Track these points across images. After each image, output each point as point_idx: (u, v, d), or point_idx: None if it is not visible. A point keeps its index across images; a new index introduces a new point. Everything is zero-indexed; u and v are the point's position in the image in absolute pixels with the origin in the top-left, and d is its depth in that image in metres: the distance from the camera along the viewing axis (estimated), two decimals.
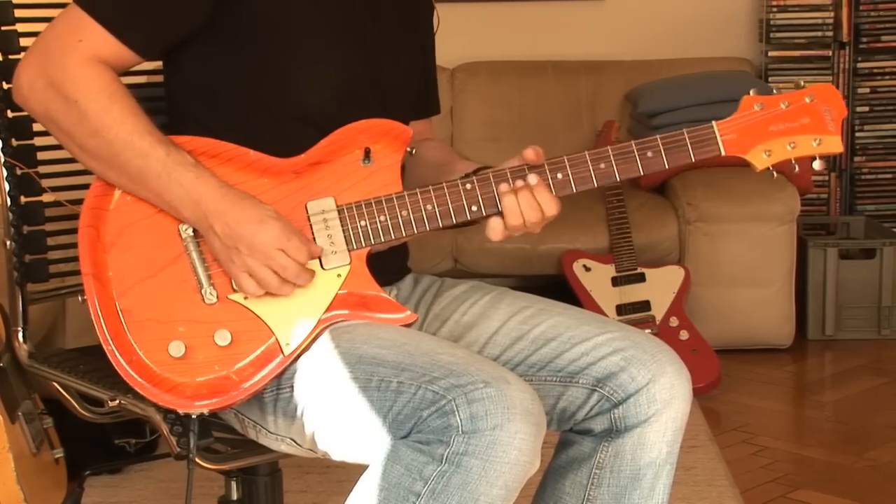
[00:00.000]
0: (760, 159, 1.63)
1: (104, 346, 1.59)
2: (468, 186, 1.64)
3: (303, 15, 1.68)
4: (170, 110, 1.78)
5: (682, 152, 1.62)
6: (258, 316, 1.60)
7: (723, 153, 1.62)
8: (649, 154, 1.62)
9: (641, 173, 1.63)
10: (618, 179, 1.63)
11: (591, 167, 1.63)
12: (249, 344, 1.59)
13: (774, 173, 1.65)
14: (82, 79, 1.59)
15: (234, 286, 1.60)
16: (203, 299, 1.60)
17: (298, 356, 1.61)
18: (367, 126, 1.66)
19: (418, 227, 1.63)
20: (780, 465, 3.07)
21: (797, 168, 1.64)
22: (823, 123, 1.62)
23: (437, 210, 1.63)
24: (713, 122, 1.62)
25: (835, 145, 1.62)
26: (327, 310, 1.62)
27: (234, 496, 1.87)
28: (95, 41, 1.60)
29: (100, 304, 1.60)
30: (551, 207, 1.63)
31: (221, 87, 1.69)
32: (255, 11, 1.66)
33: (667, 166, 1.62)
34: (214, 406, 1.59)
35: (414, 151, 1.72)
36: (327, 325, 1.62)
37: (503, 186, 1.63)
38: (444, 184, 1.64)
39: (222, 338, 1.59)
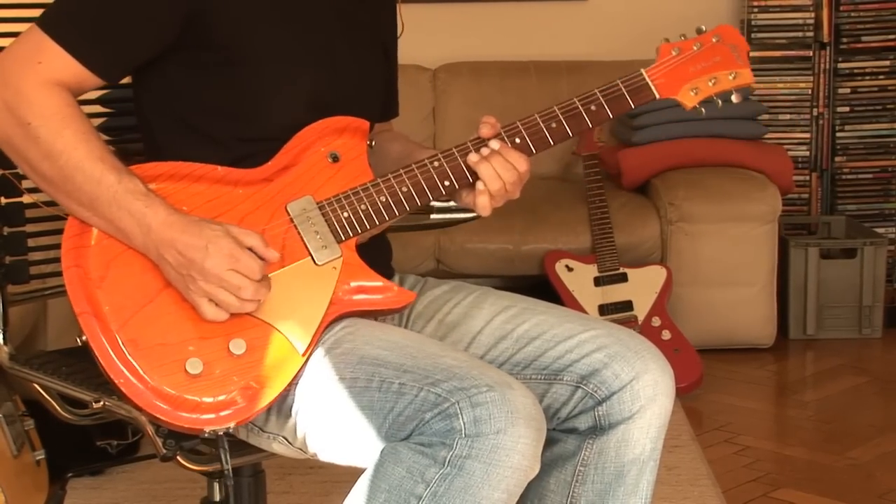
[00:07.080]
0: (689, 97, 1.74)
1: (116, 381, 1.55)
2: (436, 164, 1.68)
3: (271, 38, 1.67)
4: (140, 126, 1.77)
5: (621, 101, 1.72)
6: (265, 321, 1.59)
7: (657, 97, 1.73)
8: (593, 108, 1.71)
9: (591, 126, 1.71)
10: (570, 135, 1.70)
11: (543, 128, 1.70)
12: (263, 350, 1.58)
13: (703, 110, 1.74)
14: (37, 101, 1.57)
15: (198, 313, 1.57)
16: None
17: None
18: (325, 125, 1.69)
19: (398, 208, 1.67)
20: (762, 464, 3.08)
21: (720, 103, 1.74)
22: (733, 59, 1.75)
23: (412, 190, 1.67)
24: (641, 70, 1.73)
25: (748, 77, 1.75)
26: (330, 304, 1.62)
27: (217, 497, 1.86)
28: (55, 63, 1.58)
29: (105, 340, 1.56)
30: (522, 163, 1.68)
31: (190, 107, 1.68)
32: (221, 36, 1.64)
33: (611, 116, 1.71)
34: (241, 418, 1.56)
35: (374, 143, 1.75)
36: (333, 319, 1.62)
37: (472, 157, 1.67)
38: (412, 164, 1.68)
39: (237, 347, 1.57)
